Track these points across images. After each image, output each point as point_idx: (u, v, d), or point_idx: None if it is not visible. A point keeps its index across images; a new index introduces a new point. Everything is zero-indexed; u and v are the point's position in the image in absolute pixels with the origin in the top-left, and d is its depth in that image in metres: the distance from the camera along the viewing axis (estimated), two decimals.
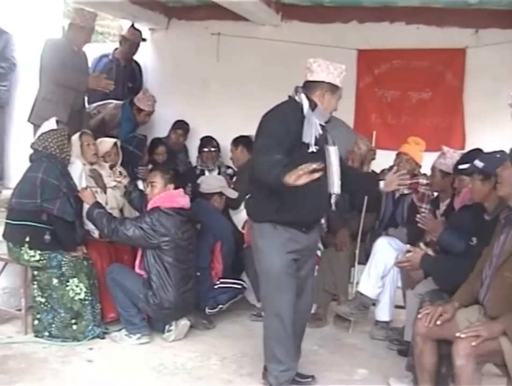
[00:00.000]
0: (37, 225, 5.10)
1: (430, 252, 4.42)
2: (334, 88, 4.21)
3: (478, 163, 4.22)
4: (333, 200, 4.33)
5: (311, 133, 4.10)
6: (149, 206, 5.26)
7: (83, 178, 5.63)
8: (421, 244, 4.51)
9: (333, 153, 4.29)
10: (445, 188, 5.26)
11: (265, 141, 4.02)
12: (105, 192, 5.87)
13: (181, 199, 5.27)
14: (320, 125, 4.19)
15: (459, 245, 4.37)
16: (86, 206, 5.29)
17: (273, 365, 4.30)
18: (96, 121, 6.93)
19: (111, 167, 6.07)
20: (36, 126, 6.00)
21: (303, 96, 4.18)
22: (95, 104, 7.06)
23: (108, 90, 6.60)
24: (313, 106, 4.16)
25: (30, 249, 5.08)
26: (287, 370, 4.30)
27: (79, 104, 6.50)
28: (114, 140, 6.23)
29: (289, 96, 4.29)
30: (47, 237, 5.12)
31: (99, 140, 6.08)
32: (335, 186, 4.28)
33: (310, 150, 4.10)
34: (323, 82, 4.20)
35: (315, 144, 4.13)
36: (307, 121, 4.11)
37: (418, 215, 5.00)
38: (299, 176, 3.58)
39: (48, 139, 5.25)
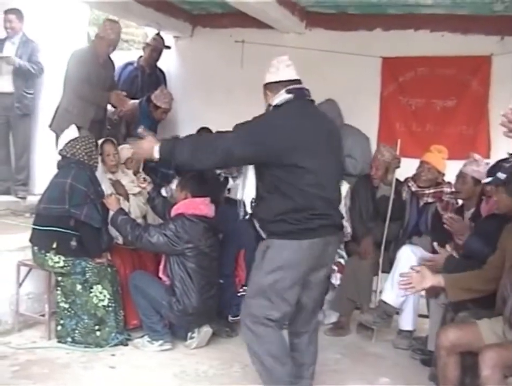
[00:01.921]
0: (64, 231, 5.13)
1: (455, 254, 4.40)
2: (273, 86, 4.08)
3: (501, 175, 4.19)
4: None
5: None
6: (173, 212, 5.28)
7: (105, 185, 5.67)
8: (447, 246, 4.48)
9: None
10: (473, 196, 5.20)
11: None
12: (127, 200, 5.90)
13: (205, 207, 5.27)
14: None
15: (484, 251, 4.33)
16: (111, 213, 5.32)
17: None
18: (123, 128, 7.02)
19: (135, 173, 6.10)
20: (57, 135, 6.08)
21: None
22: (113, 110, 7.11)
23: (129, 110, 6.72)
24: None
25: (56, 254, 5.11)
26: None
27: (100, 116, 6.58)
28: None
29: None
30: (73, 243, 5.14)
31: (120, 147, 6.12)
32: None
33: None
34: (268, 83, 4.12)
35: None
36: None
37: (445, 216, 4.96)
38: None
39: (76, 146, 5.29)
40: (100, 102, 6.50)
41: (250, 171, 4.01)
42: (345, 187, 6.01)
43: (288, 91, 4.00)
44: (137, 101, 7.14)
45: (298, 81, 4.11)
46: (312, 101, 4.19)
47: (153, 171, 6.46)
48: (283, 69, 4.10)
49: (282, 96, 3.99)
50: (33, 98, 7.25)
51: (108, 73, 6.70)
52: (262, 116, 4.01)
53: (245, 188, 4.03)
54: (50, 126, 6.49)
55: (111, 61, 6.85)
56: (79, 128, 5.45)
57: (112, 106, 6.76)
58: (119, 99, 6.66)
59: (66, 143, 5.37)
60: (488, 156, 6.37)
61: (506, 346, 3.61)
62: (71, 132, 5.40)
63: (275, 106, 4.00)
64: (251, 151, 3.83)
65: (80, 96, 6.34)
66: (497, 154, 5.77)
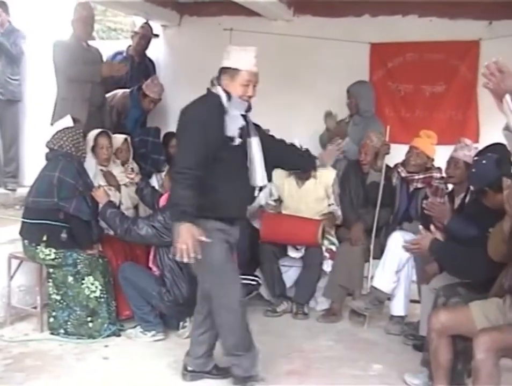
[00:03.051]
0: (54, 224, 5.12)
1: (439, 236, 4.41)
2: (233, 72, 4.01)
3: (470, 187, 4.28)
4: (256, 193, 4.24)
5: (233, 126, 3.98)
6: (161, 203, 5.27)
7: (97, 176, 5.65)
8: (432, 227, 4.48)
9: (255, 145, 4.11)
10: (464, 180, 5.20)
11: (186, 146, 3.95)
12: (119, 191, 5.89)
13: None
14: (242, 115, 4.04)
15: (467, 232, 4.33)
16: (100, 205, 5.30)
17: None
18: (114, 116, 6.99)
19: (123, 164, 6.08)
20: None
21: (219, 88, 4.04)
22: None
23: (123, 72, 6.65)
24: (228, 96, 4.00)
25: (47, 247, 5.10)
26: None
27: (98, 100, 6.49)
28: (125, 136, 6.25)
29: (208, 89, 4.14)
30: (64, 235, 5.13)
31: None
32: (258, 178, 4.12)
33: (235, 143, 4.01)
34: (225, 68, 4.06)
35: (240, 136, 4.03)
36: (228, 114, 3.97)
37: (424, 201, 4.99)
38: None
39: (63, 138, 5.26)
40: (91, 78, 6.34)
41: (257, 156, 4.14)
42: (332, 174, 6.02)
43: None
44: (128, 90, 7.11)
45: None
46: None
47: (144, 158, 6.46)
48: None
49: None
50: (18, 85, 7.21)
51: (94, 55, 6.58)
52: None
53: (256, 175, 4.16)
54: (51, 122, 6.40)
55: (96, 48, 6.76)
56: (74, 120, 5.40)
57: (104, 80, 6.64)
58: (112, 66, 6.59)
59: (53, 135, 5.32)
60: (476, 141, 6.40)
61: (500, 329, 3.62)
62: (64, 122, 5.34)
63: None
64: None
65: (71, 79, 6.24)
66: (486, 138, 5.78)
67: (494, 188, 4.02)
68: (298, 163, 4.72)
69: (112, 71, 6.59)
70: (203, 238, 3.78)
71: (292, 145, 4.69)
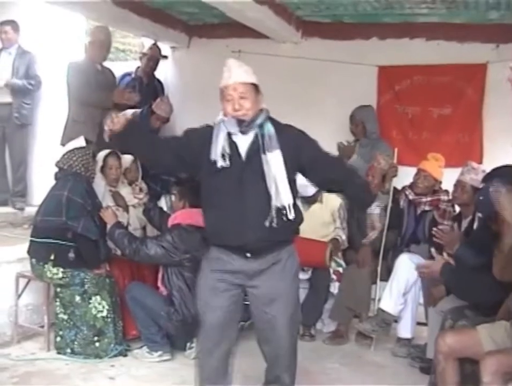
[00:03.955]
0: (62, 243, 5.13)
1: (451, 261, 4.40)
2: (220, 91, 3.83)
3: (478, 214, 4.26)
4: (274, 214, 3.62)
5: (216, 147, 3.65)
6: (170, 222, 5.28)
7: (106, 196, 5.68)
8: (444, 253, 4.49)
9: (271, 160, 3.61)
10: (471, 204, 5.20)
11: None
12: (127, 212, 5.91)
13: (202, 217, 5.25)
14: (240, 132, 3.69)
15: (475, 260, 4.33)
16: (109, 226, 5.30)
17: None
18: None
19: (130, 184, 6.11)
20: None
21: (221, 112, 3.82)
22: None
23: (133, 103, 6.68)
24: (223, 118, 3.76)
25: (54, 266, 5.11)
26: None
27: None
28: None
29: None
30: (71, 255, 5.14)
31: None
32: (281, 197, 3.61)
33: (219, 165, 3.62)
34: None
35: (230, 158, 3.63)
36: (214, 135, 3.70)
37: (434, 229, 4.98)
38: None
39: (72, 158, 5.29)
40: (104, 104, 6.42)
41: (274, 172, 3.63)
42: (338, 199, 6.02)
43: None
44: (138, 110, 7.14)
45: None
46: None
47: (154, 179, 6.47)
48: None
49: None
50: (31, 109, 7.26)
51: (107, 78, 6.70)
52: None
53: (278, 193, 3.63)
54: (61, 142, 6.43)
55: (111, 71, 6.87)
56: (87, 142, 5.45)
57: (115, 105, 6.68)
58: (123, 94, 6.64)
59: (63, 155, 5.36)
60: (480, 163, 6.38)
61: (507, 352, 3.61)
62: (76, 143, 5.38)
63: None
64: None
65: (82, 103, 6.35)
66: (490, 161, 5.79)
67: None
68: (353, 195, 4.25)
69: (123, 99, 6.65)
70: None
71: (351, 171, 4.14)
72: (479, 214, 4.47)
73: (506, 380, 3.53)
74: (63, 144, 6.28)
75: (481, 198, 4.27)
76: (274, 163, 3.62)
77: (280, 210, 3.63)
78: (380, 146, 6.54)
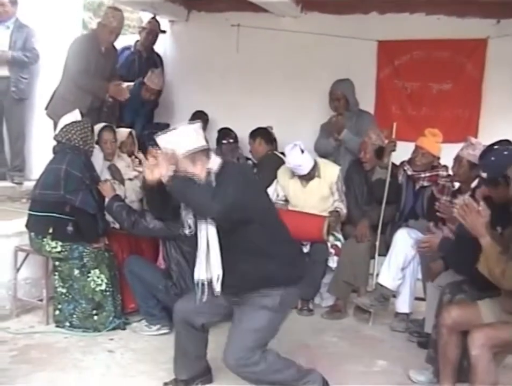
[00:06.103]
0: (60, 217, 5.12)
1: (451, 235, 4.40)
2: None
3: (482, 174, 4.22)
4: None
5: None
6: None
7: (104, 170, 5.67)
8: (443, 227, 4.49)
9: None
10: (469, 179, 5.20)
11: None
12: (123, 185, 5.90)
13: None
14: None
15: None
16: (107, 200, 5.29)
17: None
18: (116, 109, 7.04)
19: (129, 156, 6.10)
20: (54, 121, 6.07)
21: None
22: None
23: (124, 99, 6.70)
24: None
25: (53, 240, 5.12)
26: None
27: (97, 104, 6.57)
28: (129, 129, 6.29)
29: None
30: (70, 228, 5.14)
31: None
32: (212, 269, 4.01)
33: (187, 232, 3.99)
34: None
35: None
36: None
37: (437, 203, 4.98)
38: None
39: (71, 131, 5.26)
40: (98, 93, 6.47)
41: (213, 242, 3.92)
42: (335, 170, 6.01)
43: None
44: (131, 83, 7.12)
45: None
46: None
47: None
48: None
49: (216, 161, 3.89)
50: (28, 83, 7.21)
51: (108, 62, 6.65)
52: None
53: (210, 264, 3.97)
54: (46, 109, 6.50)
55: (115, 50, 6.83)
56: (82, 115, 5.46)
57: (111, 97, 6.70)
58: (118, 90, 6.63)
59: (62, 128, 5.33)
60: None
61: (493, 326, 3.68)
62: (71, 116, 5.36)
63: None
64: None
65: (78, 85, 6.33)
66: (489, 137, 5.78)
67: (508, 180, 4.02)
68: None
69: (118, 95, 6.64)
70: None
71: None
72: (484, 174, 4.39)
73: (495, 353, 3.57)
74: (49, 115, 6.35)
75: (492, 158, 4.25)
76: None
77: None
78: (364, 117, 6.64)
